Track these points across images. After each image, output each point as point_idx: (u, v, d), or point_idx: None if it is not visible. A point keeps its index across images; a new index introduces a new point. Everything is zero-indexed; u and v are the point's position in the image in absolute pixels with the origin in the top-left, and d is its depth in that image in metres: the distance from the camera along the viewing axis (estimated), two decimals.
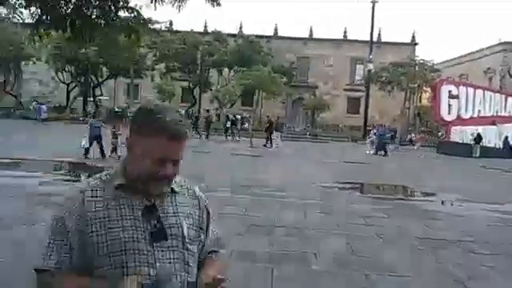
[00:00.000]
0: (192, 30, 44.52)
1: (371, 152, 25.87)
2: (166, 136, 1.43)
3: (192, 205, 1.61)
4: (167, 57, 41.95)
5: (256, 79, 34.43)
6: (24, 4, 3.67)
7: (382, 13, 64.82)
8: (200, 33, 45.92)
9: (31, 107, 36.70)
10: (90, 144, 14.79)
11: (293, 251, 5.91)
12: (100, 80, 42.85)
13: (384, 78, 42.17)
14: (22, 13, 3.80)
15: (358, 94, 48.74)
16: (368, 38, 42.14)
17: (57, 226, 1.45)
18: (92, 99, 42.83)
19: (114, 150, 15.20)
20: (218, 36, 44.49)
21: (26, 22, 4.06)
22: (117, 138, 15.13)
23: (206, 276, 1.51)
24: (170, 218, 1.51)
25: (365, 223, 7.88)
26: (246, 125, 35.81)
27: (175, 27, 44.61)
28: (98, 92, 43.62)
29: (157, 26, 32.10)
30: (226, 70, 43.69)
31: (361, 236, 6.99)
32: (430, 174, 16.94)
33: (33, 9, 3.51)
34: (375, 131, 27.90)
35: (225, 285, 1.50)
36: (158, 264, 1.45)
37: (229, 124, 31.71)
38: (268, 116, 28.83)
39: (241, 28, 49.75)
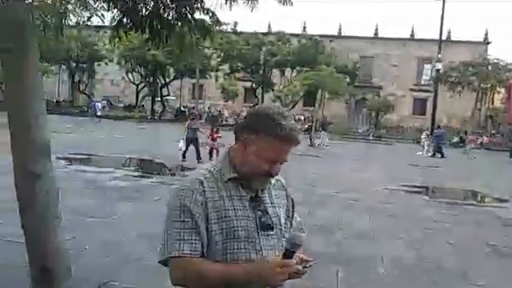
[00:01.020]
0: (255, 31, 44.87)
1: (428, 154, 24.99)
2: (284, 141, 1.55)
3: (282, 195, 1.74)
4: (231, 57, 42.57)
5: (319, 79, 34.07)
6: (106, 7, 3.92)
7: (453, 10, 61.92)
8: (263, 33, 46.16)
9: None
10: (187, 147, 14.17)
11: (358, 253, 5.85)
12: (167, 80, 44.25)
13: (453, 78, 40.34)
14: (103, 15, 4.03)
15: (424, 95, 47.01)
16: (437, 37, 40.56)
17: (183, 214, 1.54)
18: (159, 99, 44.32)
19: (213, 152, 14.17)
20: (281, 36, 44.55)
21: (104, 24, 4.31)
22: (215, 141, 14.36)
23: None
24: (269, 208, 1.65)
25: (433, 228, 7.64)
26: (307, 125, 35.67)
27: (239, 28, 45.21)
28: (165, 92, 45.05)
29: (223, 28, 32.64)
30: (289, 70, 43.64)
31: (428, 241, 6.80)
32: (501, 179, 16.04)
33: (114, 11, 3.76)
34: (428, 133, 27.05)
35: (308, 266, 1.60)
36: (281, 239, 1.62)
37: None
38: (310, 116, 28.73)
39: (304, 28, 49.53)
